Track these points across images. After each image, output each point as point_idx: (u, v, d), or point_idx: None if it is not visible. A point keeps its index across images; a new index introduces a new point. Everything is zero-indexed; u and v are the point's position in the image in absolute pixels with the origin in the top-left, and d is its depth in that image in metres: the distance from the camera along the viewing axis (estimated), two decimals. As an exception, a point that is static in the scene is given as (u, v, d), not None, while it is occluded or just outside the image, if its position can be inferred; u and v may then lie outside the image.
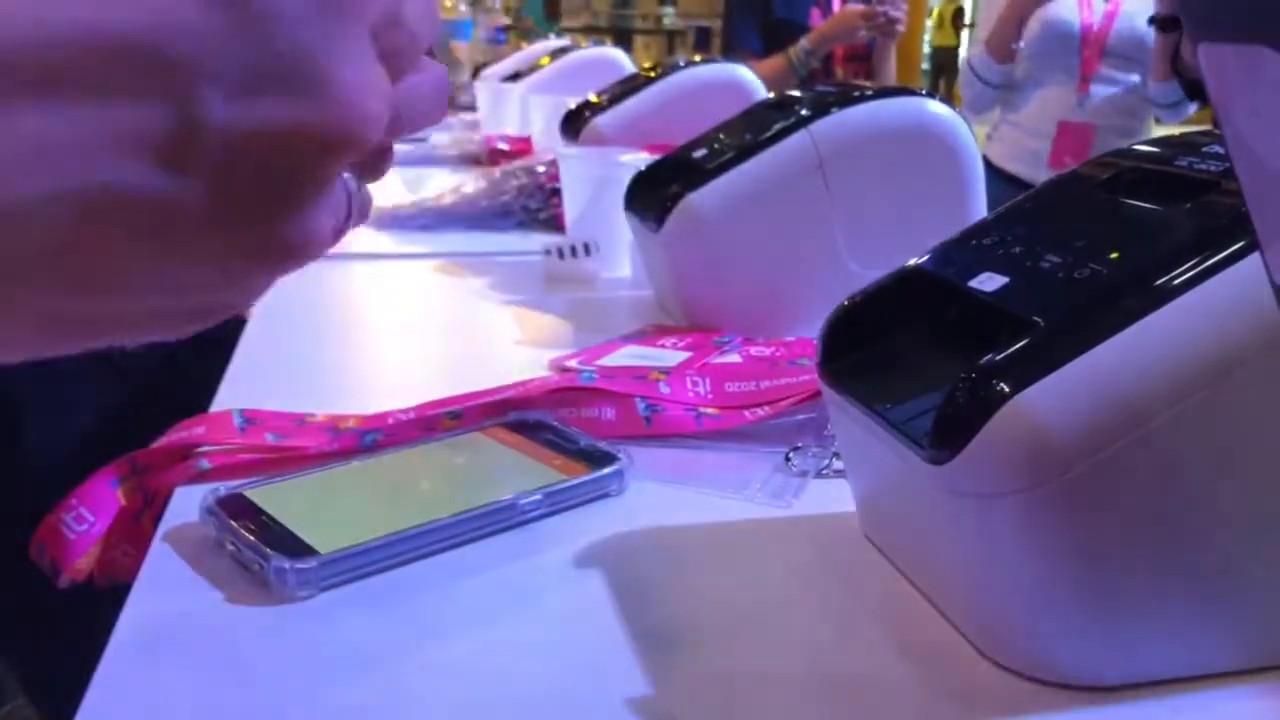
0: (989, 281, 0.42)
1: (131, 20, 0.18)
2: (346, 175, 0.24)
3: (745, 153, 0.77)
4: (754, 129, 0.80)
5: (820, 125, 0.76)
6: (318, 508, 0.49)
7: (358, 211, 0.25)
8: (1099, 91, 2.24)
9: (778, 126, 0.77)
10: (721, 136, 0.83)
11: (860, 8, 2.42)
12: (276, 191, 0.21)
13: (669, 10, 10.04)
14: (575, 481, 0.53)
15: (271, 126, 0.19)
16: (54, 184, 0.18)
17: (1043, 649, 0.39)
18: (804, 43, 2.39)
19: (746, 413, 0.63)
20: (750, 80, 1.29)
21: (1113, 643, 0.38)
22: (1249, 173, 0.28)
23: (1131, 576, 0.37)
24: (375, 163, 0.26)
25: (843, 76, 2.54)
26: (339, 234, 0.24)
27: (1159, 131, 2.33)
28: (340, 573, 0.44)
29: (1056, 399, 0.35)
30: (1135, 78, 2.26)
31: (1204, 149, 0.44)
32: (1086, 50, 2.22)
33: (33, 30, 0.17)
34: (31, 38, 0.17)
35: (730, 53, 2.55)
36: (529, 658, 0.41)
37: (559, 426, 0.59)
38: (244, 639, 0.41)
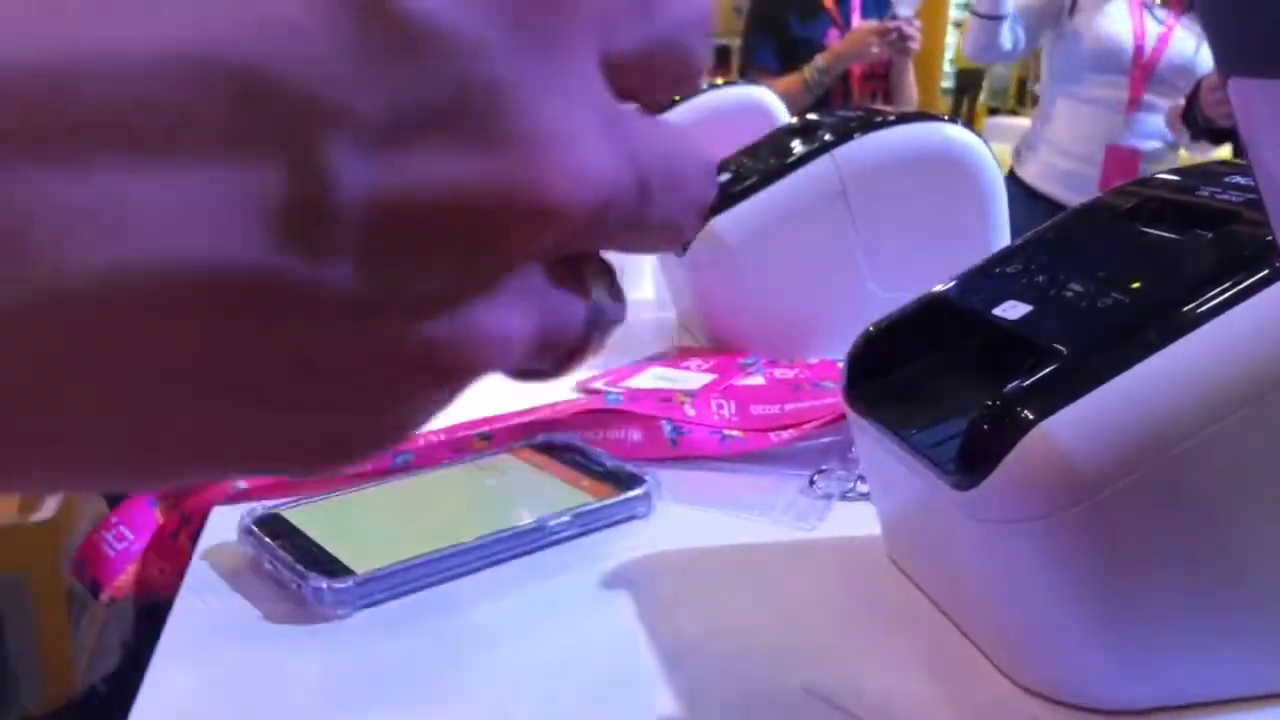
0: (1012, 309, 0.42)
1: (232, 41, 0.13)
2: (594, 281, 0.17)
3: (768, 177, 0.78)
4: (777, 153, 0.81)
5: (843, 150, 0.77)
6: (352, 528, 0.50)
7: (599, 329, 0.18)
8: (1144, 116, 2.21)
9: (800, 151, 0.78)
10: (745, 161, 0.84)
11: (873, 25, 2.43)
12: (436, 279, 0.14)
13: (689, 29, 10.08)
14: (603, 503, 0.54)
15: (432, 189, 0.14)
16: (127, 255, 0.13)
17: (1068, 672, 0.40)
18: (818, 61, 2.40)
19: (771, 435, 0.63)
20: (772, 103, 1.30)
21: (1138, 666, 0.39)
22: (1276, 203, 0.29)
23: (1156, 601, 0.38)
24: (630, 243, 0.17)
25: (859, 95, 2.54)
26: (552, 347, 0.17)
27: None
28: (376, 592, 0.45)
29: (1080, 426, 0.36)
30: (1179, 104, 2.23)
31: (1225, 179, 0.45)
32: (1136, 71, 2.19)
33: (99, 64, 0.12)
34: (99, 73, 0.12)
35: (747, 71, 2.57)
36: (559, 677, 0.42)
37: (587, 449, 0.60)
38: (283, 656, 0.42)
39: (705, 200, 0.18)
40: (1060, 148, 2.28)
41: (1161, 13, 2.21)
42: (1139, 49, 2.18)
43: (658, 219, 0.16)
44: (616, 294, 0.18)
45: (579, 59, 0.15)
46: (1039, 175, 2.29)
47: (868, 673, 0.43)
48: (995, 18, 2.33)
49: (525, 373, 0.18)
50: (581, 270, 0.17)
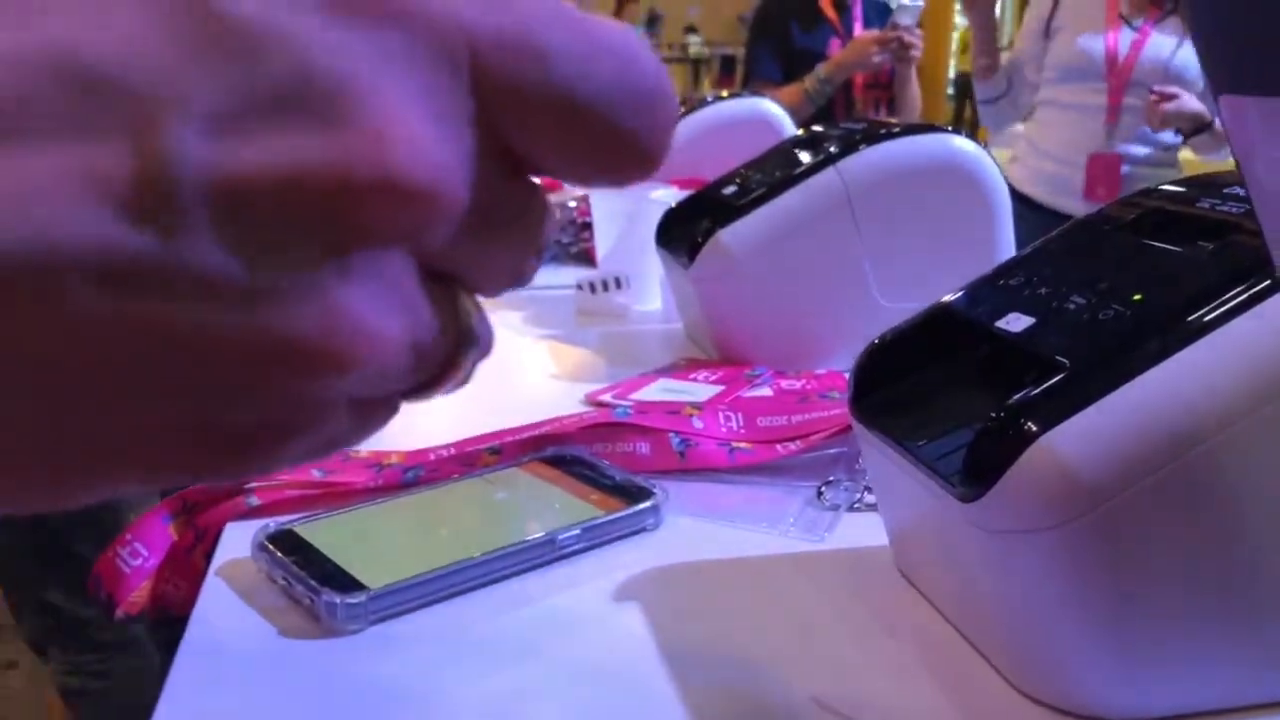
0: (1016, 322, 0.43)
1: (75, 41, 0.14)
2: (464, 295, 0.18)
3: (774, 190, 0.79)
4: (783, 166, 0.81)
5: (848, 163, 0.78)
6: (364, 543, 0.51)
7: (468, 352, 0.18)
8: (1127, 122, 2.22)
9: (806, 164, 0.79)
10: (751, 173, 0.84)
11: (874, 34, 2.43)
12: (293, 258, 0.15)
13: (694, 39, 10.12)
14: (612, 517, 0.54)
15: (276, 168, 0.14)
16: None
17: (1076, 682, 0.40)
18: (820, 70, 2.41)
19: (779, 446, 0.64)
20: (778, 115, 1.31)
21: (1145, 675, 0.39)
22: (1269, 217, 0.30)
23: (1162, 610, 0.38)
24: (477, 257, 0.18)
25: (863, 105, 2.55)
26: (422, 358, 0.17)
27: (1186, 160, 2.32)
28: (389, 607, 0.46)
29: (1083, 438, 0.36)
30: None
31: (1225, 190, 0.45)
32: (1113, 80, 2.21)
33: None
34: None
35: (749, 82, 2.58)
36: (571, 690, 0.42)
37: (595, 462, 0.61)
38: (298, 670, 0.43)
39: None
40: (1044, 152, 2.30)
41: (1139, 19, 2.22)
42: (1112, 56, 2.20)
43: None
44: (485, 326, 0.19)
45: (407, 50, 0.15)
46: (1024, 178, 2.31)
47: (876, 683, 0.43)
48: (995, 100, 2.41)
49: (396, 394, 0.18)
50: (453, 293, 0.18)
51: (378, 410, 0.19)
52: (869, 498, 0.59)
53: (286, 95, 0.14)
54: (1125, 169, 2.20)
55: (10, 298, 0.14)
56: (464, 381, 0.19)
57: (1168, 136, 2.21)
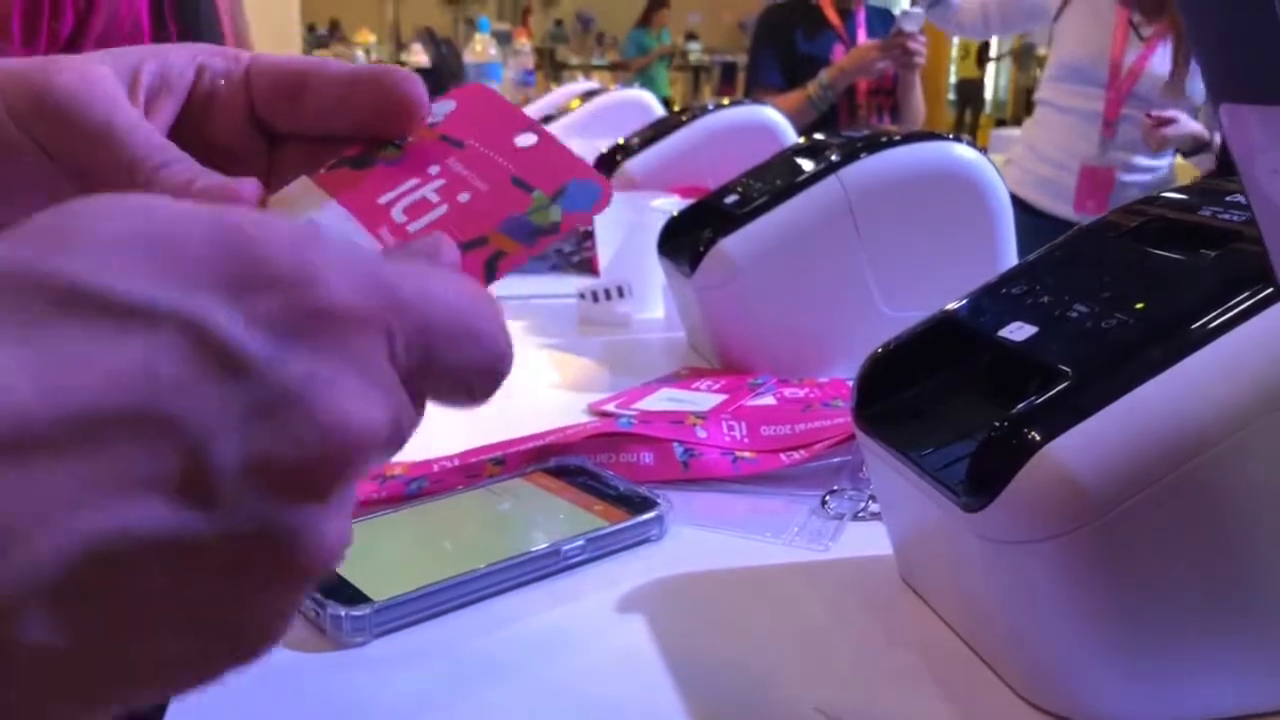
0: (1018, 331, 0.43)
1: (129, 393, 0.19)
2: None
3: (776, 198, 0.79)
4: (784, 174, 0.81)
5: (849, 171, 0.78)
6: (369, 555, 0.51)
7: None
8: (1124, 133, 2.21)
9: (808, 172, 0.79)
10: (752, 182, 0.84)
11: (877, 41, 2.44)
12: (289, 511, 0.21)
13: (695, 46, 10.14)
14: (617, 527, 0.54)
15: (277, 458, 0.21)
16: (72, 536, 0.19)
17: (1081, 691, 0.40)
18: (822, 77, 2.41)
19: (783, 456, 0.64)
20: (779, 122, 1.31)
21: (1152, 684, 0.39)
22: (1270, 225, 0.30)
23: (1167, 618, 0.38)
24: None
25: (866, 111, 2.55)
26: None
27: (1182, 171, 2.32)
28: (394, 619, 0.46)
29: (1086, 447, 0.36)
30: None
31: (1227, 198, 0.45)
32: (1111, 92, 2.20)
33: (37, 400, 0.19)
34: (39, 408, 0.19)
35: (752, 89, 2.58)
36: (578, 700, 0.42)
37: (600, 472, 0.61)
38: (302, 683, 0.43)
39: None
40: (1038, 154, 2.29)
41: (1147, 30, 2.20)
42: (1115, 66, 2.18)
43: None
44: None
45: (359, 349, 0.22)
46: (1020, 181, 2.29)
47: (881, 693, 0.43)
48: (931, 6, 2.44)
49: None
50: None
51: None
52: (873, 506, 0.59)
53: (276, 402, 0.21)
54: (1122, 177, 2.19)
55: (117, 569, 0.19)
56: None
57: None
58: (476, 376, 0.25)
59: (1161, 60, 2.17)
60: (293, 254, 0.22)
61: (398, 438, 0.24)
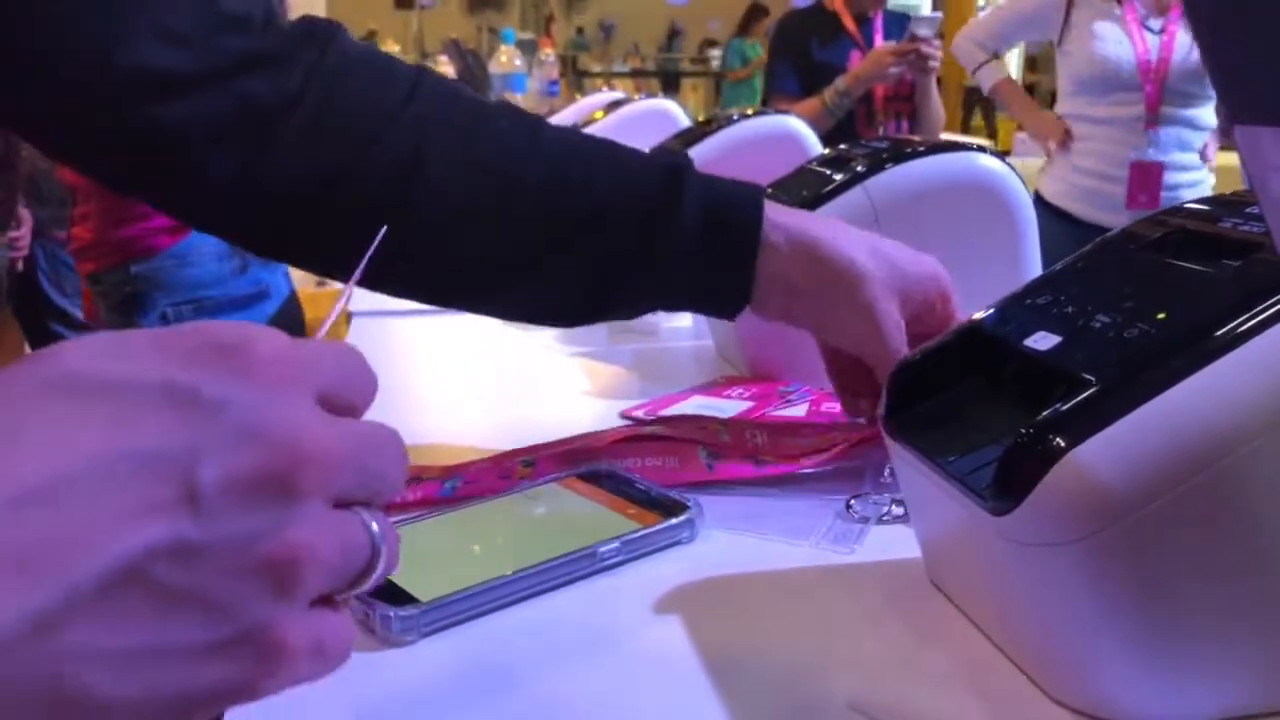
0: (1043, 340, 0.44)
1: (137, 442, 0.24)
2: (373, 521, 0.28)
3: (803, 208, 0.80)
4: (810, 185, 0.83)
5: (875, 181, 0.79)
6: (413, 557, 0.53)
7: (386, 557, 0.28)
8: (1164, 130, 2.20)
9: (834, 183, 0.80)
10: (778, 192, 0.86)
11: (891, 45, 2.44)
12: (263, 522, 0.25)
13: (715, 53, 10.14)
14: (650, 530, 0.56)
15: (248, 472, 0.25)
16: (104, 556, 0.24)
17: (1108, 691, 0.41)
18: (838, 84, 2.42)
19: (802, 459, 0.65)
20: (803, 132, 1.33)
21: (1177, 684, 0.40)
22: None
23: (1193, 619, 0.39)
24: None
25: (884, 117, 2.55)
26: (351, 558, 0.27)
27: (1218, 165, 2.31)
28: (440, 619, 0.48)
29: (1109, 453, 0.38)
30: (1194, 112, 2.22)
31: (1247, 209, 0.46)
32: (1149, 87, 2.18)
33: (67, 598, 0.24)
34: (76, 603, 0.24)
35: (768, 98, 2.59)
36: (619, 698, 0.44)
37: (630, 477, 0.62)
38: (353, 682, 0.45)
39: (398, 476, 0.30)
40: (1081, 167, 2.28)
41: (1158, 21, 2.20)
42: (1144, 64, 2.17)
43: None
44: (389, 540, 0.29)
45: (302, 396, 0.27)
46: (1061, 194, 2.29)
47: (912, 690, 0.44)
48: (981, 67, 2.48)
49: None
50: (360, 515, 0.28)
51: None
52: (896, 510, 0.60)
53: (243, 432, 0.25)
54: (1166, 176, 2.18)
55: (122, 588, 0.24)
56: (382, 576, 0.29)
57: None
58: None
59: (1184, 47, 2.16)
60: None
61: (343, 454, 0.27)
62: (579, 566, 0.53)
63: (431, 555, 0.54)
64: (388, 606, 0.47)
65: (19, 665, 0.23)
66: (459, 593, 0.48)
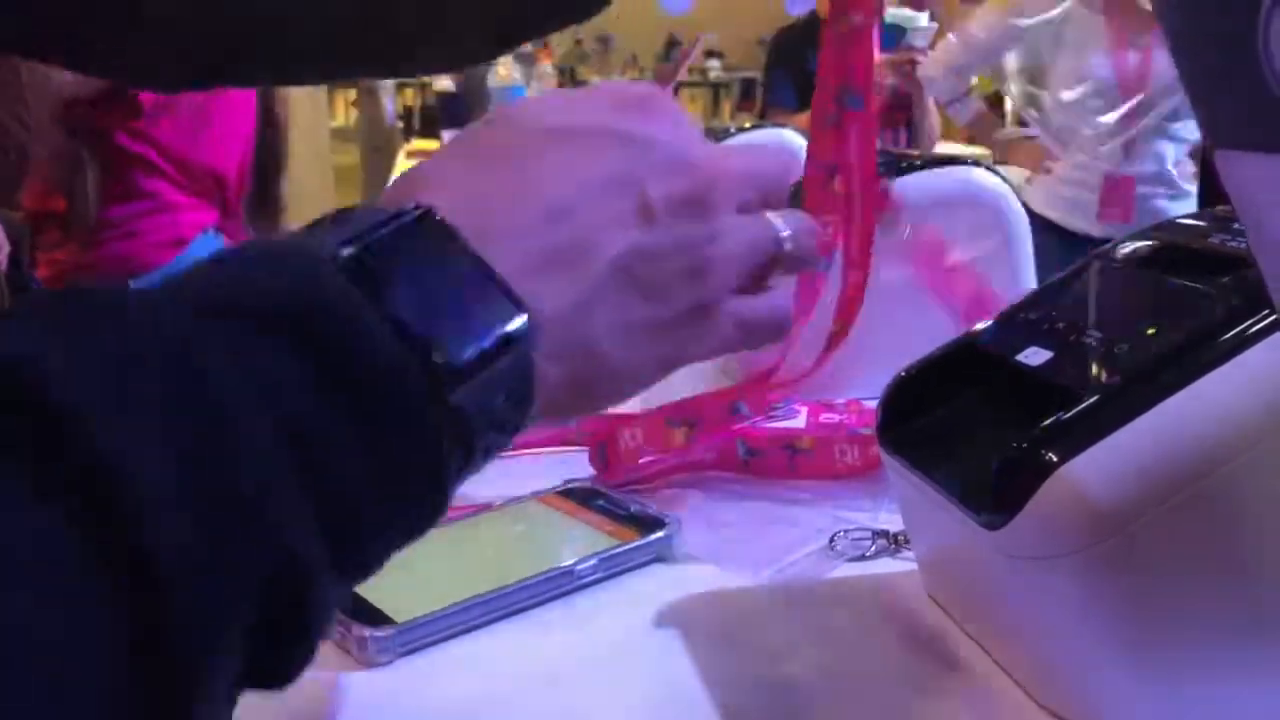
0: (1035, 355, 0.44)
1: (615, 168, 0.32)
2: (780, 225, 0.35)
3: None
4: (807, 199, 0.83)
5: (871, 195, 0.79)
6: (390, 576, 0.51)
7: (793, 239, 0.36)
8: (1145, 144, 2.22)
9: (830, 197, 0.80)
10: (775, 206, 0.86)
11: (886, 57, 2.45)
12: (693, 230, 0.33)
13: (714, 63, 10.15)
14: (628, 546, 0.55)
15: (680, 193, 0.33)
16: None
17: (1104, 706, 0.41)
18: None
19: (836, 450, 0.66)
20: (801, 146, 1.33)
21: (1173, 698, 0.40)
22: (1271, 267, 0.31)
23: (1183, 632, 0.39)
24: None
25: (881, 127, 2.56)
26: (757, 251, 0.35)
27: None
28: (416, 639, 0.47)
29: (1102, 466, 0.38)
30: (1175, 126, 2.24)
31: (1236, 225, 0.46)
32: (1127, 101, 2.21)
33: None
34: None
35: (766, 109, 2.60)
36: (604, 714, 0.44)
37: (609, 493, 0.61)
38: (330, 702, 0.44)
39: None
40: (1062, 176, 2.32)
41: (1144, 39, 2.21)
42: (1124, 79, 2.20)
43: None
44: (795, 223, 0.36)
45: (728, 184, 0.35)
46: (1042, 201, 2.32)
47: (909, 705, 0.44)
48: (957, 101, 2.50)
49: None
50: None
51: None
52: (880, 543, 0.57)
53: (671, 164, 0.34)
54: (1139, 190, 2.21)
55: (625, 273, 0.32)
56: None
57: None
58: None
59: (1162, 61, 2.17)
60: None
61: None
62: (557, 584, 0.52)
63: (408, 574, 0.52)
64: (363, 627, 0.46)
65: (563, 344, 0.30)
66: (435, 613, 0.48)
